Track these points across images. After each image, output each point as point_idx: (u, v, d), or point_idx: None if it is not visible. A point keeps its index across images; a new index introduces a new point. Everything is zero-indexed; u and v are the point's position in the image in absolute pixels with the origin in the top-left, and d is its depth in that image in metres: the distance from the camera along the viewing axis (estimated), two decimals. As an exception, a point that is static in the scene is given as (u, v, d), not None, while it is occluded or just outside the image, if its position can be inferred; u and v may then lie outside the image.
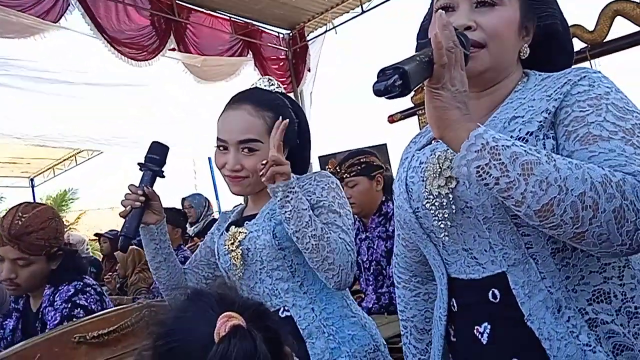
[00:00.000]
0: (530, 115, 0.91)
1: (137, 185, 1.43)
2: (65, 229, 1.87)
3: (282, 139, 1.31)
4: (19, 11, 3.84)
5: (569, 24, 1.08)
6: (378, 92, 0.76)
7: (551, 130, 0.89)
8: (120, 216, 1.42)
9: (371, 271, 2.67)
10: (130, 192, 1.41)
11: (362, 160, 2.71)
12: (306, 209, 1.26)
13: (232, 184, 1.40)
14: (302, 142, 1.47)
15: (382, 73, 0.77)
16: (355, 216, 2.72)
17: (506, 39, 0.97)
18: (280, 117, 1.33)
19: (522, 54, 1.01)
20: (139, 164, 1.47)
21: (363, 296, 2.76)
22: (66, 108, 5.11)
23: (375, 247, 2.66)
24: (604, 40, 4.21)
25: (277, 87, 1.46)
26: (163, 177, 1.48)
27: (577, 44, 4.28)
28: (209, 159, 7.75)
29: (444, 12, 0.85)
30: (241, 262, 1.37)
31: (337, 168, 2.73)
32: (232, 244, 1.39)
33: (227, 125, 1.38)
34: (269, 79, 1.48)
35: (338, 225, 1.32)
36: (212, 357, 0.70)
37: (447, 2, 0.99)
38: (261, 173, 1.28)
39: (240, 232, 1.38)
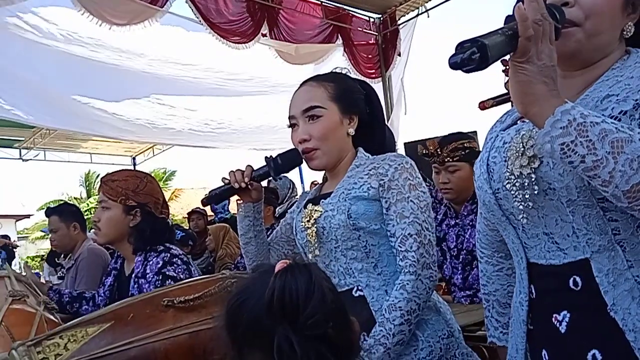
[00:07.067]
0: (625, 93, 0.85)
1: (256, 169, 1.49)
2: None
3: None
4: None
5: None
6: (454, 65, 0.75)
7: None
8: (221, 180, 1.51)
9: (460, 259, 2.54)
10: (240, 171, 1.48)
11: (465, 145, 2.51)
12: None
13: (307, 160, 1.44)
14: (372, 111, 1.50)
15: (460, 46, 0.75)
16: (446, 202, 2.62)
17: (606, 17, 0.90)
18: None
19: (625, 33, 0.94)
20: (265, 157, 1.51)
21: (443, 285, 2.69)
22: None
23: (466, 235, 2.52)
24: None
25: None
26: (275, 179, 1.54)
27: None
28: None
29: None
30: (316, 240, 1.40)
31: (438, 150, 2.54)
32: (308, 221, 1.42)
33: (293, 102, 1.46)
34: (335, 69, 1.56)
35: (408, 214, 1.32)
36: (271, 287, 0.77)
37: None
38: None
39: (315, 210, 1.41)
